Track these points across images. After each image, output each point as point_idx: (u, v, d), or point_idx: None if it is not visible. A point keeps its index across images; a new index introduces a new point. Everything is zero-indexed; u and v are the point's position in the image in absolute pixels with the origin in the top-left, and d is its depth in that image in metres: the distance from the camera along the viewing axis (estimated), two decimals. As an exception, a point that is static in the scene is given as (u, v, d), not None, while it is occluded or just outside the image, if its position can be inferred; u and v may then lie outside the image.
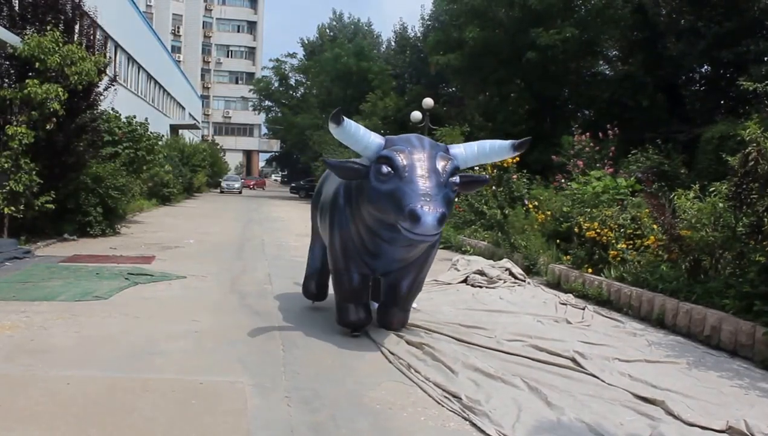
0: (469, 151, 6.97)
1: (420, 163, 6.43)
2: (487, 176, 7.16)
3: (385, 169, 6.44)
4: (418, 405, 5.28)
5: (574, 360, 6.60)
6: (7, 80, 14.10)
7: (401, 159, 6.43)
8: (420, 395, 5.52)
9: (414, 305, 9.05)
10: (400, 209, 6.15)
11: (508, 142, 7.05)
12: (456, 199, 20.42)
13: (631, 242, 10.66)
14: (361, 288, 7.39)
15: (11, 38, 13.49)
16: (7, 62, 14.08)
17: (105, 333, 7.05)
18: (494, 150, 7.08)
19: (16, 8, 14.62)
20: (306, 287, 8.95)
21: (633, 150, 17.93)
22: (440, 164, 6.49)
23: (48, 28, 14.08)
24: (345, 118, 6.69)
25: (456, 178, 6.61)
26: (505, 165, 16.82)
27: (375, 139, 6.77)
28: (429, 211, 5.97)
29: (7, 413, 4.67)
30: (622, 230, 10.92)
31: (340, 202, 7.33)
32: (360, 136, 6.77)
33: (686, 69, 25.30)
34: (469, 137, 24.48)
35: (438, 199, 6.18)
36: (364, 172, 6.71)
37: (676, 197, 9.76)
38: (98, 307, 8.35)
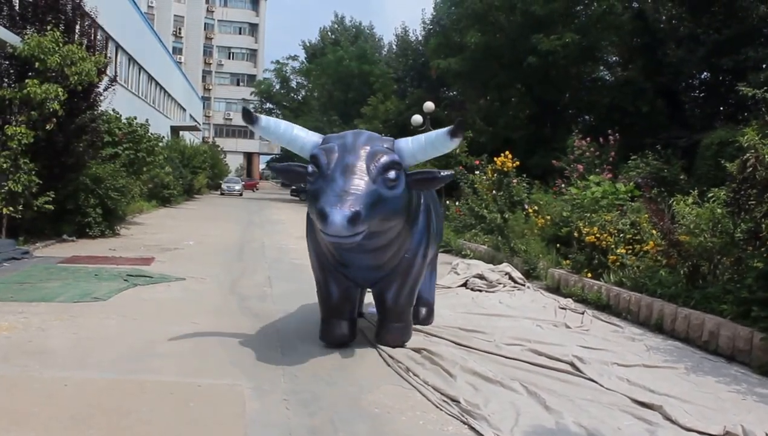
0: (416, 144, 6.37)
1: (345, 160, 5.95)
2: (443, 172, 6.56)
3: (311, 168, 6.11)
4: (416, 409, 5.27)
5: (572, 365, 6.59)
6: (6, 80, 14.14)
7: (325, 157, 6.03)
8: (419, 398, 5.51)
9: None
10: (314, 209, 5.83)
11: (444, 130, 6.38)
12: (456, 203, 20.50)
13: (631, 247, 10.66)
14: (340, 302, 6.92)
15: (11, 38, 13.51)
16: (7, 62, 14.12)
17: (103, 335, 7.05)
18: (438, 139, 6.38)
19: (17, 8, 14.65)
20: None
21: (633, 155, 17.93)
22: (369, 160, 5.97)
23: (48, 28, 14.11)
24: (260, 116, 6.46)
25: (392, 174, 5.98)
26: (505, 169, 16.83)
27: (311, 138, 6.45)
28: (338, 210, 5.49)
29: (3, 414, 4.67)
30: (621, 235, 10.92)
31: (309, 211, 6.67)
32: (292, 136, 6.51)
33: (686, 75, 25.34)
34: (471, 142, 24.52)
35: (355, 197, 5.63)
36: (302, 173, 6.34)
37: (675, 203, 9.75)
38: (97, 308, 8.35)
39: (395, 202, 6.05)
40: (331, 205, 5.53)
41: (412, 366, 6.31)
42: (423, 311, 8.12)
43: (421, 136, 6.52)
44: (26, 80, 13.48)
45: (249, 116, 6.45)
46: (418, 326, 7.92)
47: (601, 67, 31.70)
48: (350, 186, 5.72)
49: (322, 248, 6.78)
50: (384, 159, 6.01)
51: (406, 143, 6.35)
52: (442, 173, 6.41)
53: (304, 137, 6.48)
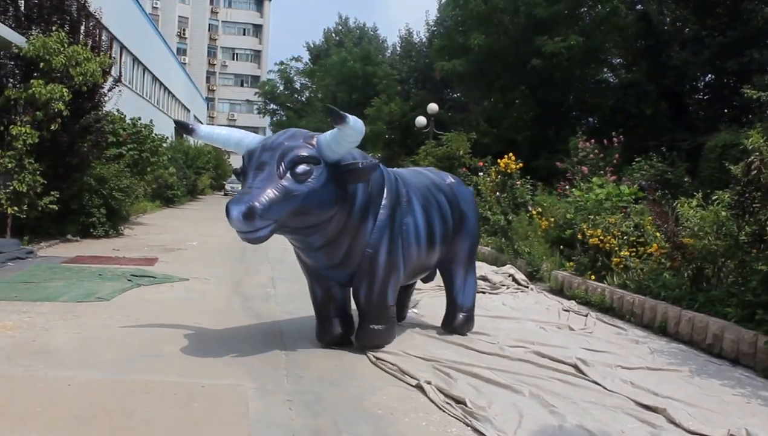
0: (330, 137, 6.17)
1: (259, 158, 6.00)
2: (363, 162, 6.33)
3: (239, 169, 6.31)
4: (419, 410, 5.27)
5: (576, 367, 6.59)
6: (12, 80, 14.18)
7: (247, 157, 6.15)
8: (422, 400, 5.51)
9: (415, 310, 9.07)
10: None
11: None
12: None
13: (634, 249, 10.65)
14: (324, 302, 6.98)
15: (17, 38, 13.53)
16: (12, 62, 14.16)
17: (107, 335, 7.06)
18: (333, 135, 6.19)
19: (22, 9, 14.67)
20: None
21: (637, 157, 17.91)
22: (280, 157, 5.94)
23: (53, 28, 14.14)
24: (198, 126, 6.55)
25: (300, 168, 5.89)
26: (509, 171, 16.81)
27: (249, 141, 6.48)
28: (236, 206, 5.55)
29: (7, 414, 4.67)
30: (625, 238, 10.91)
31: None
32: (236, 140, 6.56)
33: (690, 78, 25.37)
34: (475, 143, 24.52)
35: (253, 193, 5.67)
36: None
37: (679, 205, 9.74)
38: (100, 308, 8.36)
39: (312, 197, 5.96)
40: (233, 201, 5.63)
41: (406, 367, 6.29)
42: (460, 316, 7.89)
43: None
44: (31, 81, 13.50)
45: (185, 128, 6.62)
46: (418, 329, 7.94)
47: (605, 70, 31.71)
48: (255, 183, 5.82)
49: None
50: (292, 154, 5.95)
51: (324, 137, 6.22)
52: (362, 163, 6.15)
53: (244, 139, 6.53)
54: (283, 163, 5.91)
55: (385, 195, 6.73)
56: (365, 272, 6.67)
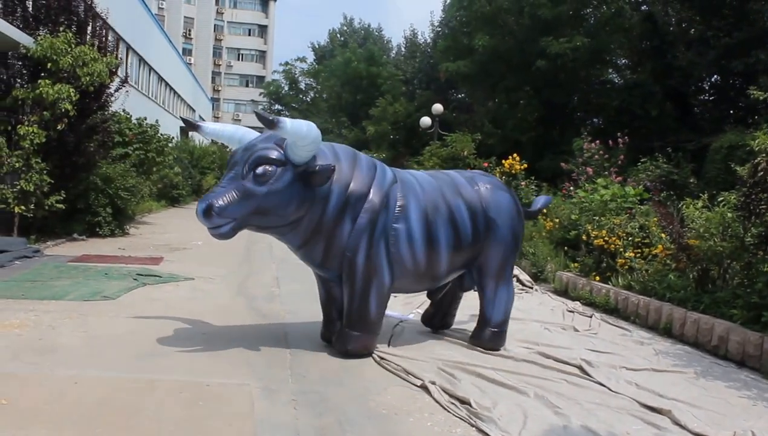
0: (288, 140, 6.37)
1: (233, 157, 6.41)
2: (319, 165, 6.46)
3: None
4: (424, 411, 5.28)
5: (580, 368, 6.60)
6: (19, 80, 14.26)
7: (229, 158, 6.58)
8: (427, 400, 5.52)
9: (419, 310, 9.05)
10: None
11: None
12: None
13: (639, 250, 10.65)
14: (326, 302, 7.12)
15: (24, 39, 13.58)
16: (20, 63, 14.23)
17: (113, 333, 7.08)
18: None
19: (30, 9, 14.72)
20: None
21: (642, 158, 17.90)
22: (246, 158, 6.21)
23: (61, 29, 14.20)
24: (203, 123, 6.69)
25: (260, 170, 6.10)
26: (513, 172, 16.82)
27: (249, 138, 6.67)
28: (200, 202, 6.04)
29: (14, 411, 4.70)
30: (630, 239, 10.91)
31: None
32: (239, 137, 6.70)
33: (696, 78, 25.30)
34: (480, 144, 24.54)
35: (218, 192, 6.11)
36: None
37: (684, 206, 9.74)
38: (106, 307, 8.38)
39: (272, 197, 6.16)
40: (201, 199, 6.14)
41: (410, 368, 6.31)
42: (487, 331, 7.36)
43: None
44: (39, 81, 13.56)
45: (192, 125, 6.70)
46: (423, 329, 7.95)
47: (610, 70, 31.69)
48: (222, 181, 6.25)
49: None
50: (254, 156, 6.17)
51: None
52: (318, 167, 6.24)
53: (245, 137, 6.66)
54: (247, 164, 6.16)
55: (369, 198, 6.61)
56: (347, 274, 6.66)
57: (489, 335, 7.34)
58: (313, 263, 6.83)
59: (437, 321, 8.05)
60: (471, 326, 7.83)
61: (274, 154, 6.19)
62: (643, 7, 28.04)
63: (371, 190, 6.63)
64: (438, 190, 7.09)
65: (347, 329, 6.72)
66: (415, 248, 6.77)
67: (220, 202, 6.01)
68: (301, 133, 6.07)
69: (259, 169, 6.12)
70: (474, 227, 7.11)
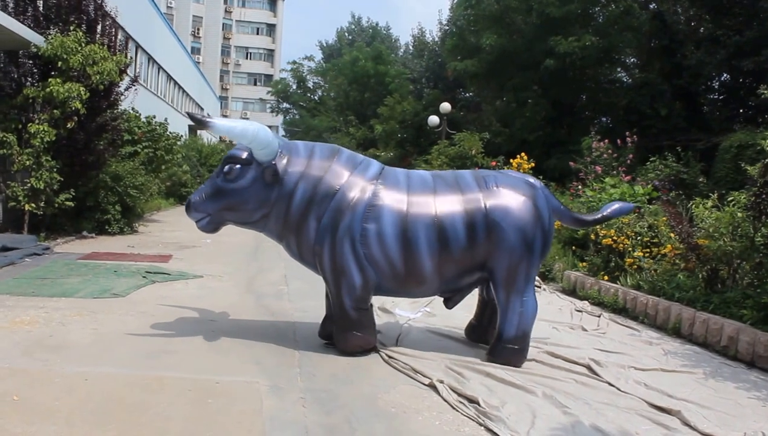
0: None
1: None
2: (268, 165, 6.63)
3: None
4: (433, 409, 5.29)
5: (589, 368, 6.59)
6: (30, 79, 14.31)
7: None
8: (435, 399, 5.53)
9: (427, 308, 9.07)
10: None
11: None
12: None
13: (648, 250, 10.63)
14: (326, 299, 7.14)
15: (35, 38, 13.63)
16: (31, 61, 14.29)
17: (122, 330, 7.11)
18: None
19: (41, 9, 14.78)
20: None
21: (651, 157, 17.85)
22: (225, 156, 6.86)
23: (71, 28, 14.25)
24: (210, 118, 6.62)
25: (227, 168, 6.64)
26: (521, 171, 16.78)
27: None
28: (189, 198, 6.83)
29: (26, 407, 4.73)
30: (638, 238, 10.89)
31: None
32: (253, 132, 6.58)
33: (705, 77, 25.20)
34: (487, 143, 24.52)
35: (199, 188, 6.88)
36: None
37: (693, 206, 9.71)
38: (116, 304, 8.42)
39: (236, 194, 6.64)
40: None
41: (420, 367, 6.31)
42: (499, 347, 6.78)
43: None
44: (49, 79, 13.63)
45: (201, 124, 6.66)
46: (432, 328, 7.95)
47: (619, 69, 31.59)
48: (208, 179, 6.94)
49: None
50: (226, 155, 6.80)
51: None
52: (265, 166, 6.57)
53: (261, 135, 6.61)
54: (220, 166, 6.73)
55: (335, 197, 6.55)
56: (321, 272, 6.78)
57: (501, 351, 6.73)
58: (295, 257, 7.06)
59: (476, 335, 7.63)
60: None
61: (243, 154, 6.64)
62: (652, 6, 27.97)
63: (340, 190, 6.57)
64: (429, 191, 6.74)
65: (334, 326, 6.83)
66: (388, 249, 6.53)
67: (196, 197, 6.76)
68: (233, 132, 6.60)
69: (226, 168, 6.66)
70: (470, 230, 6.57)
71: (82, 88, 13.73)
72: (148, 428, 4.55)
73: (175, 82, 41.70)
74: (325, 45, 67.40)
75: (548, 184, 17.82)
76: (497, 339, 6.76)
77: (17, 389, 5.07)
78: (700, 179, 17.21)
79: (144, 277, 10.48)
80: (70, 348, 6.30)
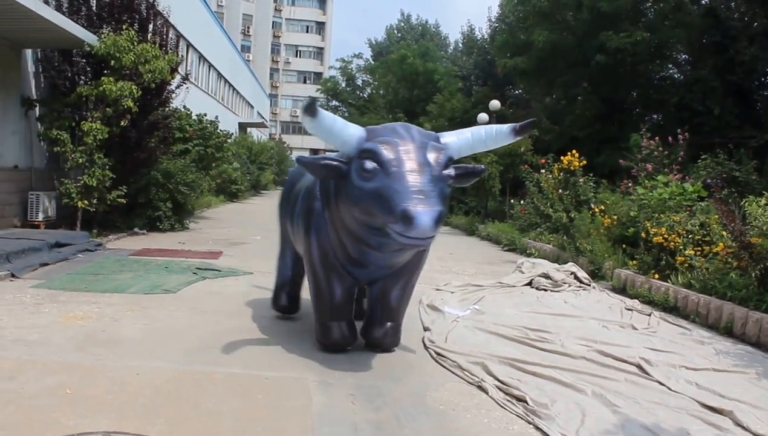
0: (462, 140, 6.06)
1: (409, 155, 5.50)
2: (482, 166, 6.43)
3: (369, 164, 5.50)
4: (481, 407, 5.27)
5: (639, 366, 6.51)
6: (83, 78, 14.58)
7: (387, 152, 5.50)
8: (484, 397, 5.50)
9: (476, 306, 9.04)
10: (390, 210, 5.25)
11: (507, 127, 6.17)
12: (521, 202, 20.35)
13: (699, 248, 10.45)
14: (344, 303, 6.54)
15: (89, 37, 13.88)
16: (84, 60, 14.57)
17: (173, 326, 7.22)
18: (491, 136, 6.16)
19: (94, 8, 15.06)
20: (276, 298, 8.08)
21: (702, 155, 17.55)
22: (432, 156, 5.57)
23: (123, 27, 14.48)
24: (320, 109, 5.74)
25: (450, 171, 5.73)
26: (572, 168, 16.63)
27: (354, 132, 5.81)
28: (424, 211, 5.11)
29: (78, 400, 4.82)
30: (690, 236, 10.71)
31: (316, 205, 6.37)
32: (337, 130, 5.79)
33: (759, 73, 24.66)
34: (537, 140, 24.34)
35: (433, 197, 5.28)
36: (344, 169, 5.77)
37: (746, 204, 9.53)
38: (167, 300, 8.55)
39: (448, 200, 6.20)
40: (415, 206, 5.15)
41: (467, 365, 6.29)
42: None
43: (467, 132, 6.21)
44: (102, 78, 13.89)
45: (313, 111, 5.60)
46: (481, 326, 7.92)
47: (670, 66, 31.06)
48: (426, 184, 5.35)
49: (333, 244, 6.31)
50: (444, 155, 5.68)
51: (453, 139, 6.03)
52: (478, 168, 6.33)
53: (348, 130, 5.84)
54: (439, 165, 5.70)
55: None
56: (407, 270, 6.63)
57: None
58: (391, 263, 6.42)
59: None
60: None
61: (451, 153, 5.92)
62: (704, 1, 27.45)
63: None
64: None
65: (393, 324, 6.76)
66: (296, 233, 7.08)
67: (443, 207, 5.39)
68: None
69: (450, 171, 5.82)
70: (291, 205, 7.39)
71: (134, 87, 13.96)
72: (198, 422, 4.60)
73: (226, 81, 42.17)
74: (374, 42, 67.50)
75: (598, 182, 17.67)
76: None
77: (70, 382, 5.17)
78: (753, 177, 16.87)
79: (194, 273, 10.62)
80: (121, 343, 6.41)
